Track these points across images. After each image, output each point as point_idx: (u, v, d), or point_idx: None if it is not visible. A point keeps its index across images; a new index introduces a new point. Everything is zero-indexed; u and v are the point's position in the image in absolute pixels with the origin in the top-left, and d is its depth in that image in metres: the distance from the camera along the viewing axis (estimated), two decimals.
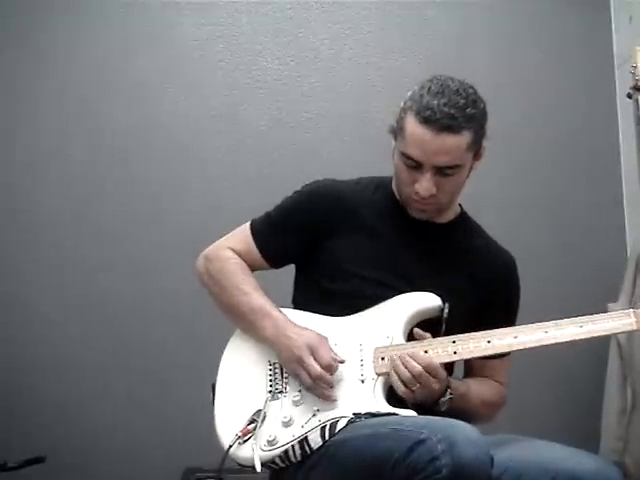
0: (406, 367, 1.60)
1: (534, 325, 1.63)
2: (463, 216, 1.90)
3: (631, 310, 1.59)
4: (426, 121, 1.64)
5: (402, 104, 1.73)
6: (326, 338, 1.68)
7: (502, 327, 1.67)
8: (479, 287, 1.79)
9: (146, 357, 2.75)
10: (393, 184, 1.85)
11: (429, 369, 1.59)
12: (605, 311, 2.50)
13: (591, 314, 1.61)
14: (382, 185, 1.87)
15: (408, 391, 1.59)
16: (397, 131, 1.73)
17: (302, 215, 1.84)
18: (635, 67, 2.34)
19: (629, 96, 2.40)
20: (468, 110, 1.65)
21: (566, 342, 1.60)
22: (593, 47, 3.07)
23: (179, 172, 2.88)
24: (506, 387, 1.87)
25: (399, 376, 1.60)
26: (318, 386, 1.62)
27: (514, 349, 1.64)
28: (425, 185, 1.69)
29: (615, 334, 1.59)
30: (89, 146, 2.87)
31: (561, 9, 3.06)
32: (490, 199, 2.83)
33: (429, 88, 1.67)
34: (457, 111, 1.64)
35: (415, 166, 1.69)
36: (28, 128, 2.86)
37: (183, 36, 2.95)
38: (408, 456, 1.34)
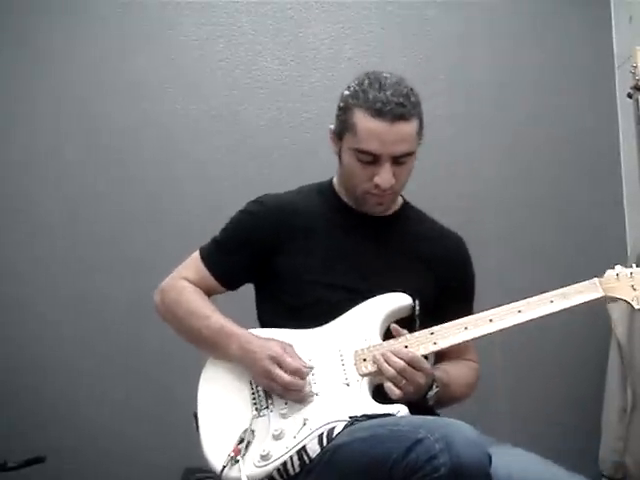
0: (389, 364, 1.59)
1: (507, 306, 1.66)
2: (407, 205, 1.92)
3: (596, 279, 1.68)
4: (379, 113, 1.67)
5: (341, 104, 1.75)
6: (290, 345, 1.67)
7: (463, 304, 1.78)
8: (436, 269, 1.82)
9: (144, 357, 2.74)
10: (335, 186, 1.87)
11: (412, 363, 1.59)
12: (605, 309, 2.52)
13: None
14: (322, 189, 1.90)
15: (399, 392, 1.57)
16: (343, 131, 1.75)
17: (247, 232, 1.84)
18: (635, 67, 2.34)
19: (629, 96, 2.40)
20: (412, 98, 1.71)
21: (540, 318, 1.65)
22: (593, 47, 3.06)
23: (179, 172, 2.87)
24: (477, 362, 1.89)
25: (384, 375, 1.59)
26: (291, 393, 1.61)
27: (491, 331, 1.65)
28: (385, 177, 1.71)
29: (584, 303, 1.68)
30: (87, 146, 2.85)
31: (562, 9, 3.05)
32: (489, 199, 2.81)
33: (369, 84, 1.70)
34: (404, 99, 1.68)
35: (371, 161, 1.71)
36: (25, 128, 2.84)
37: (183, 36, 2.94)
38: (406, 456, 1.34)
